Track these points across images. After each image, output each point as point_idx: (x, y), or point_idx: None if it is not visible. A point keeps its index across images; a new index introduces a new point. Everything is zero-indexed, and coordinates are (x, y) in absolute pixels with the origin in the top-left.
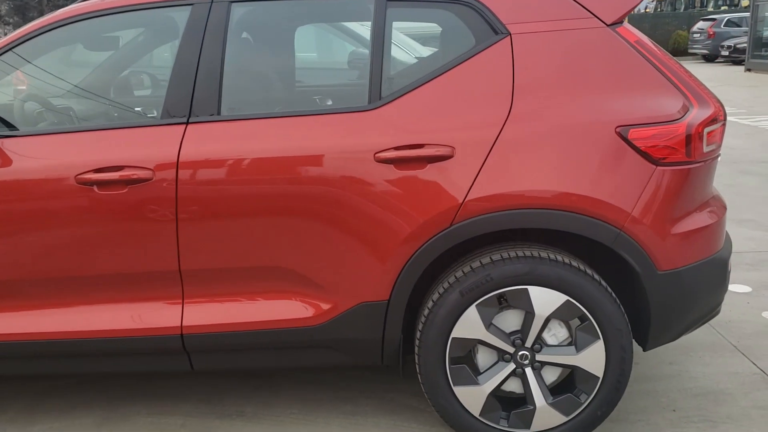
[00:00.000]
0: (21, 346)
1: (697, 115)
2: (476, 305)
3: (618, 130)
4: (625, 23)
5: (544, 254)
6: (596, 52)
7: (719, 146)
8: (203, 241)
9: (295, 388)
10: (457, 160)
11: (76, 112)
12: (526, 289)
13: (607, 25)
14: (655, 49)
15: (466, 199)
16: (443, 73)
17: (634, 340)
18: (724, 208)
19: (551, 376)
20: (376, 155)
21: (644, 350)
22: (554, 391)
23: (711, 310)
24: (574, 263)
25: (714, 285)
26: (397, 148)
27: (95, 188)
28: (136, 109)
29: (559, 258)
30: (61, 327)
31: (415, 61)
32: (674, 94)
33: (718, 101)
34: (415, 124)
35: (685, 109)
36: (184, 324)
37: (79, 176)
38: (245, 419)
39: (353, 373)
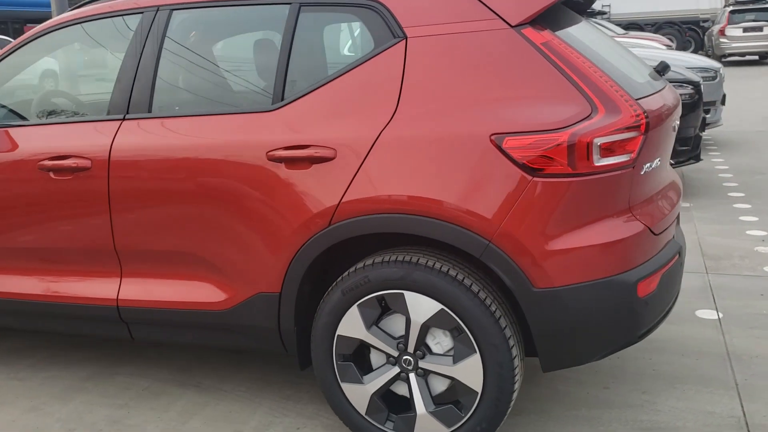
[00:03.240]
0: None
1: (594, 123)
2: (357, 305)
3: (493, 138)
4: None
5: (422, 260)
6: (492, 55)
7: (635, 157)
8: (129, 224)
9: (258, 367)
10: (338, 162)
11: (54, 107)
12: (402, 293)
13: (512, 26)
14: (571, 51)
15: (342, 201)
16: (339, 77)
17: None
18: (645, 227)
19: (441, 385)
20: (269, 153)
21: (543, 371)
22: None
23: (618, 338)
24: (452, 272)
25: (612, 310)
26: (286, 148)
27: (51, 174)
28: (94, 106)
29: (437, 266)
30: (25, 290)
31: (322, 64)
32: (574, 100)
33: (643, 109)
34: (305, 125)
35: (582, 116)
36: (120, 297)
37: (39, 163)
38: (198, 390)
39: None
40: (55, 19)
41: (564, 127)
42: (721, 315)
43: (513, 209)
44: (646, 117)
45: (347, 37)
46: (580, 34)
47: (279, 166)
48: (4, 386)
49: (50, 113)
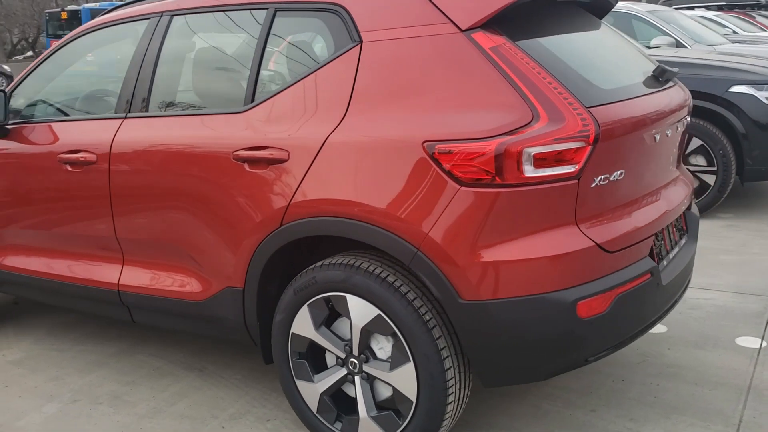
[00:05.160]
0: (17, 276)
1: (531, 132)
2: (307, 305)
3: (425, 145)
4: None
5: (364, 265)
6: (439, 60)
7: (580, 169)
8: (125, 214)
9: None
10: (290, 165)
11: (73, 106)
12: (345, 296)
13: (462, 31)
14: (521, 56)
15: (291, 203)
16: (300, 80)
17: None
18: (592, 243)
19: (386, 391)
20: (234, 153)
21: (484, 386)
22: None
23: (558, 360)
24: (390, 278)
25: (546, 330)
26: (248, 149)
27: (68, 167)
28: (108, 104)
29: (376, 271)
30: (44, 269)
31: (289, 67)
32: (514, 108)
33: (594, 118)
34: (266, 126)
35: (520, 124)
36: (121, 282)
37: (59, 155)
38: (200, 374)
39: None
40: (82, 27)
41: (494, 136)
42: (764, 344)
43: (440, 218)
44: (597, 126)
45: (314, 42)
46: (570, 37)
47: (242, 165)
48: (45, 356)
49: (76, 110)
